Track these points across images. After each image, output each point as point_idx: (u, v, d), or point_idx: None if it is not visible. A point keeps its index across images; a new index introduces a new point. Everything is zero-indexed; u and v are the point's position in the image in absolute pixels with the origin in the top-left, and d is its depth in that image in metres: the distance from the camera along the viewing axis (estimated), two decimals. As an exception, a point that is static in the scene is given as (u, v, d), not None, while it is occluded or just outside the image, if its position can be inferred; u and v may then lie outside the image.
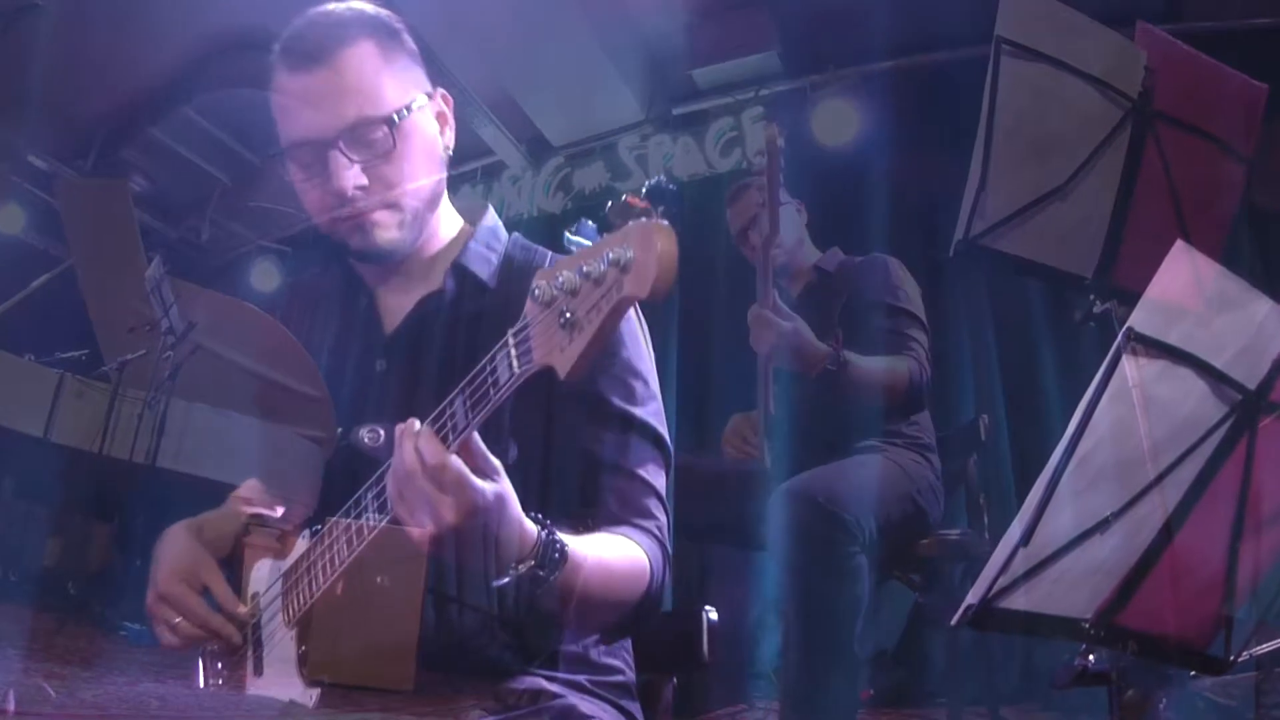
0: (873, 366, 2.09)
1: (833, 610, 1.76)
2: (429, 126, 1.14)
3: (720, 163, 4.71)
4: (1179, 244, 0.99)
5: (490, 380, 0.84)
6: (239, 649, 1.11)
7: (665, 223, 0.73)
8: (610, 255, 0.74)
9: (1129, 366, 0.96)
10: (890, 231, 2.96)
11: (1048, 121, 1.86)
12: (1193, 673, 1.17)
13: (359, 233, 1.11)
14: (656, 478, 1.10)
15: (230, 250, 6.39)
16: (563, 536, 0.93)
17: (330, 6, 1.13)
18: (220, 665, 1.17)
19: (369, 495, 0.97)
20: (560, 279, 0.77)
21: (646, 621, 1.08)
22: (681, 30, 4.58)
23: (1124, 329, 1.00)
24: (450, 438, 0.86)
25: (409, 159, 1.09)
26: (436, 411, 0.88)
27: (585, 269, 0.75)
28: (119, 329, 4.39)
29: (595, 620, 1.04)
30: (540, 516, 0.92)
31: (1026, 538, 0.99)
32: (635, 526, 1.06)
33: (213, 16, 4.69)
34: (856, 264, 2.44)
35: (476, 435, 0.87)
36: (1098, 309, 1.88)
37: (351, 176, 1.07)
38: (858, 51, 4.34)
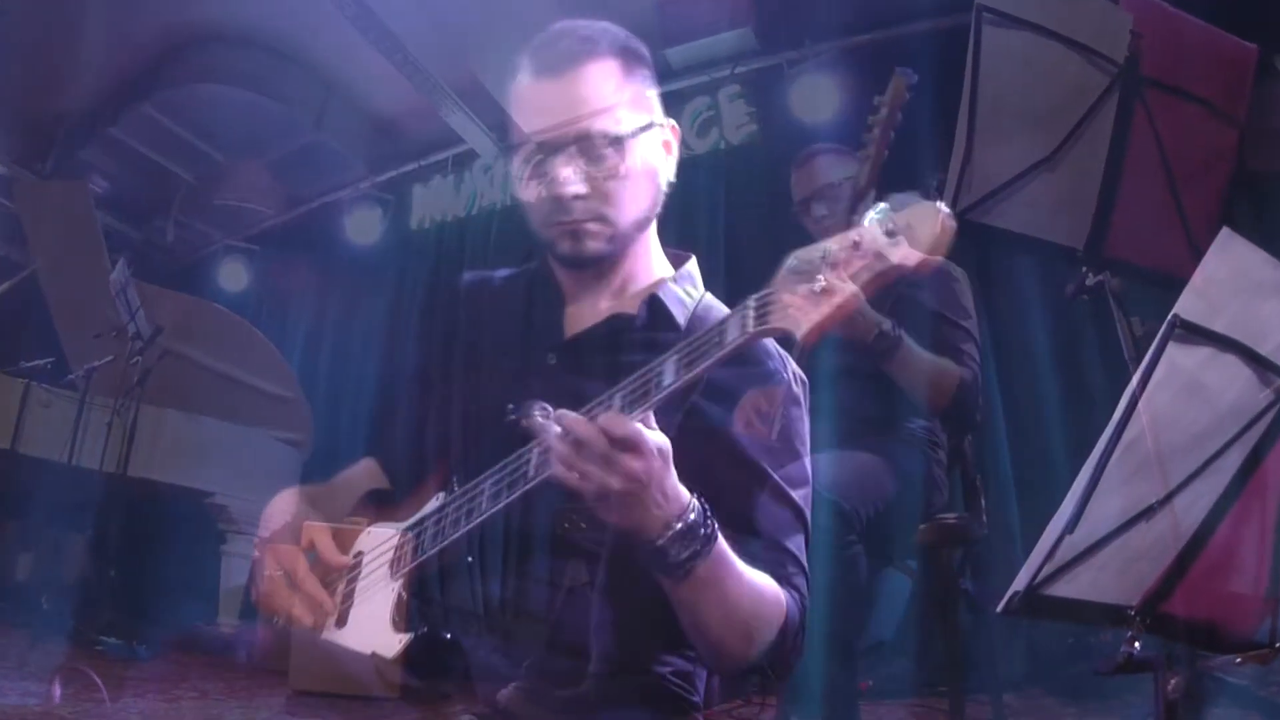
0: (926, 356, 2.00)
1: (831, 601, 1.73)
2: (654, 154, 1.17)
3: (697, 143, 4.63)
4: (1224, 231, 0.99)
5: (716, 340, 0.86)
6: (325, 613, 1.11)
7: (946, 209, 0.77)
8: (888, 227, 0.78)
9: (1174, 353, 0.93)
10: (874, 209, 2.91)
11: (1033, 91, 1.85)
12: (1239, 660, 1.15)
13: (570, 238, 1.13)
14: (802, 553, 1.08)
15: (197, 250, 6.30)
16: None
17: (583, 21, 1.16)
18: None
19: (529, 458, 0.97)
20: (822, 251, 0.80)
21: (779, 667, 1.03)
22: (653, 8, 4.50)
23: (1170, 316, 0.99)
24: (653, 392, 0.88)
25: (630, 180, 1.12)
26: (643, 370, 0.90)
27: (857, 239, 0.79)
28: (85, 335, 4.35)
29: (729, 637, 0.99)
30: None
31: (1072, 525, 1.00)
32: (778, 581, 1.04)
33: (172, 12, 4.58)
34: None
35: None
36: (1090, 281, 1.85)
37: (573, 184, 1.10)
38: (835, 25, 4.28)
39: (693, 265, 1.28)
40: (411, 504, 1.16)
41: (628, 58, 1.15)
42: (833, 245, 0.80)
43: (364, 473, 1.34)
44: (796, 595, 1.04)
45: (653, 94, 1.19)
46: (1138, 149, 1.82)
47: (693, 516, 0.89)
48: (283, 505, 1.19)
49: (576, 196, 1.10)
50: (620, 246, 1.16)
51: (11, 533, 4.52)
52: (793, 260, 0.82)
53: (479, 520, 0.99)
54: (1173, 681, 1.10)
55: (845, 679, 1.80)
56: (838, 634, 1.74)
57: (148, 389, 3.88)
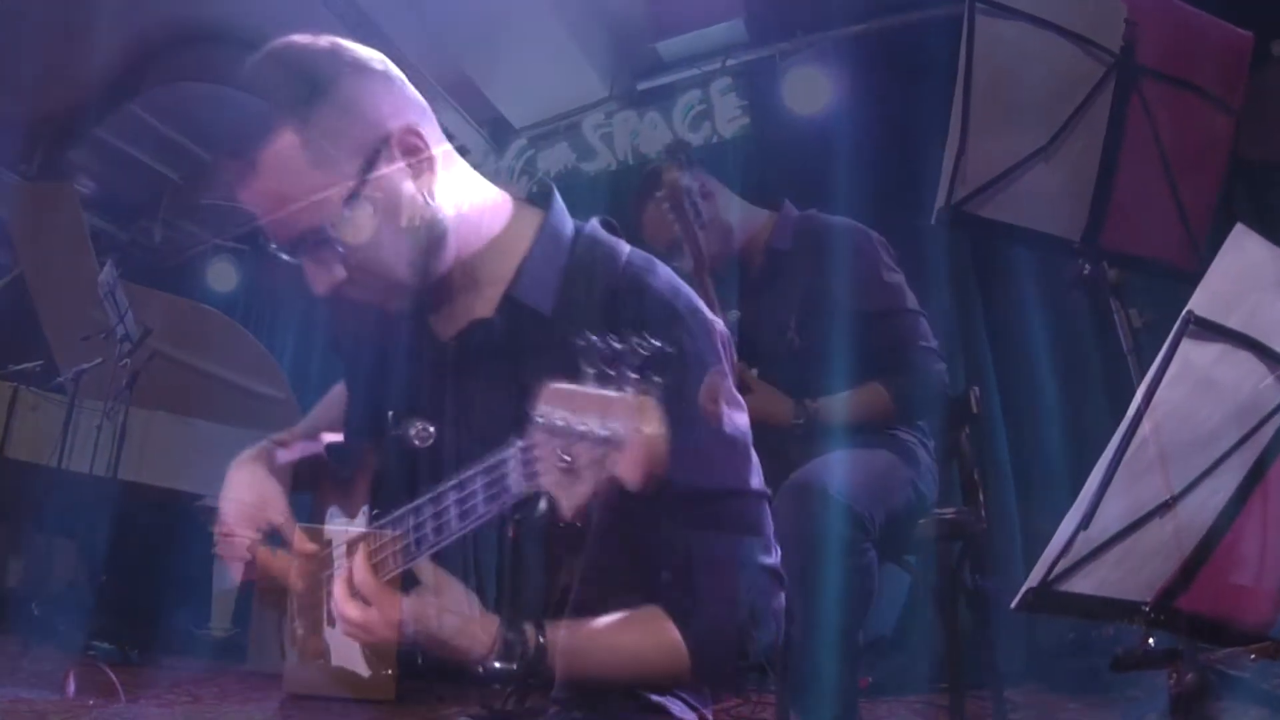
0: (850, 402, 2.00)
1: (844, 606, 1.70)
2: (392, 183, 1.00)
3: (690, 137, 4.60)
4: (1239, 227, 0.98)
5: (495, 490, 0.82)
6: (315, 597, 1.10)
7: (653, 401, 0.72)
8: (605, 428, 0.72)
9: (1188, 350, 0.93)
10: (869, 200, 2.90)
11: (1027, 81, 1.82)
12: (1253, 655, 1.15)
13: (371, 307, 1.07)
14: (749, 552, 0.99)
15: (185, 251, 6.23)
16: (558, 626, 0.92)
17: (252, 74, 1.00)
18: (296, 623, 1.17)
19: (427, 515, 0.93)
20: (559, 419, 0.74)
21: (714, 680, 1.04)
22: (644, 1, 4.47)
23: (1184, 312, 0.98)
24: (438, 536, 0.88)
25: (379, 233, 0.99)
26: (434, 495, 0.88)
27: (582, 428, 0.73)
28: (73, 338, 4.31)
29: (624, 688, 1.00)
30: (512, 617, 0.92)
31: (1087, 520, 0.99)
32: (688, 608, 0.97)
33: (156, 10, 4.53)
34: (818, 235, 2.17)
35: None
36: (1087, 273, 1.83)
37: (326, 276, 1.01)
38: (826, 15, 4.25)
39: (553, 215, 1.11)
40: (359, 483, 1.15)
41: (305, 112, 0.96)
42: (570, 421, 0.73)
43: (332, 403, 1.33)
44: (717, 604, 0.96)
45: (366, 112, 0.99)
46: (1134, 139, 1.80)
47: (494, 660, 0.89)
48: (239, 483, 1.16)
49: (337, 283, 1.01)
50: (419, 283, 1.04)
51: (1, 538, 4.48)
52: (544, 407, 0.75)
53: (396, 573, 0.97)
54: (1188, 676, 1.09)
55: (847, 679, 1.78)
56: (846, 636, 1.72)
57: (137, 391, 3.84)
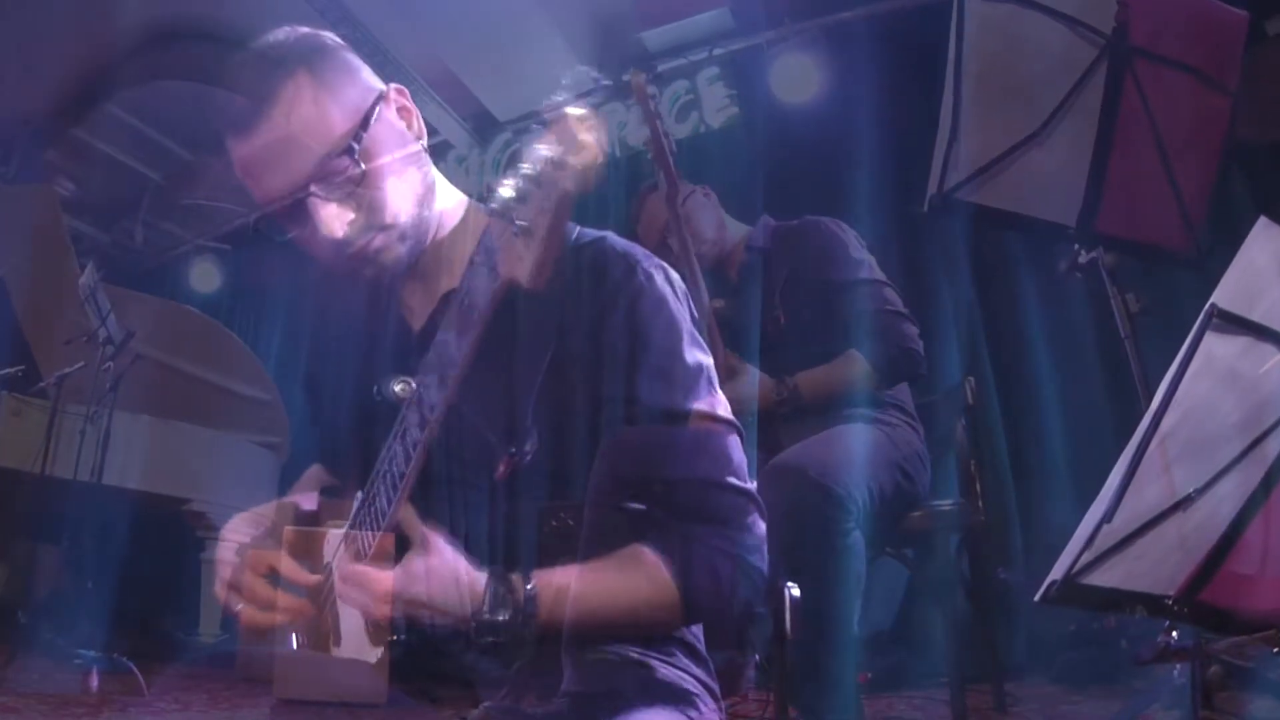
0: (829, 374, 2.08)
1: (832, 591, 1.68)
2: (392, 127, 1.10)
3: (677, 128, 4.58)
4: (1262, 220, 0.99)
5: (469, 303, 0.85)
6: (321, 621, 1.09)
7: (585, 110, 0.77)
8: (544, 153, 0.77)
9: (1211, 343, 0.94)
10: (860, 189, 2.87)
11: (1018, 65, 1.82)
12: (1276, 649, 1.15)
13: (368, 264, 1.09)
14: (716, 471, 1.01)
15: (167, 251, 6.20)
16: (545, 573, 0.94)
17: (254, 48, 1.09)
18: (305, 636, 1.16)
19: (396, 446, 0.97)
20: (510, 188, 0.79)
21: (718, 626, 1.03)
22: (629, -9, 4.44)
23: (1208, 305, 0.98)
24: (450, 373, 0.88)
25: (385, 171, 1.07)
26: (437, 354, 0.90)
27: (525, 171, 0.78)
28: (55, 341, 4.25)
29: (612, 637, 1.00)
30: (499, 569, 0.94)
31: (1110, 514, 1.00)
32: (669, 537, 0.99)
33: (135, 8, 4.47)
34: (792, 231, 2.33)
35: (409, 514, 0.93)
36: (1083, 258, 1.84)
37: (338, 216, 1.05)
38: (814, 3, 4.24)
39: None
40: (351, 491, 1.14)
41: (314, 59, 1.06)
42: (517, 181, 0.79)
43: (310, 480, 1.32)
44: (705, 533, 0.98)
45: (360, 73, 1.10)
46: (1128, 121, 1.79)
47: (486, 612, 0.90)
48: (233, 536, 1.15)
49: (348, 224, 1.05)
50: (417, 237, 1.10)
51: (-15, 546, 4.43)
52: (494, 202, 0.81)
53: (388, 523, 0.97)
54: (1212, 668, 1.09)
55: (845, 668, 1.76)
56: (839, 622, 1.71)
57: (121, 395, 3.79)
